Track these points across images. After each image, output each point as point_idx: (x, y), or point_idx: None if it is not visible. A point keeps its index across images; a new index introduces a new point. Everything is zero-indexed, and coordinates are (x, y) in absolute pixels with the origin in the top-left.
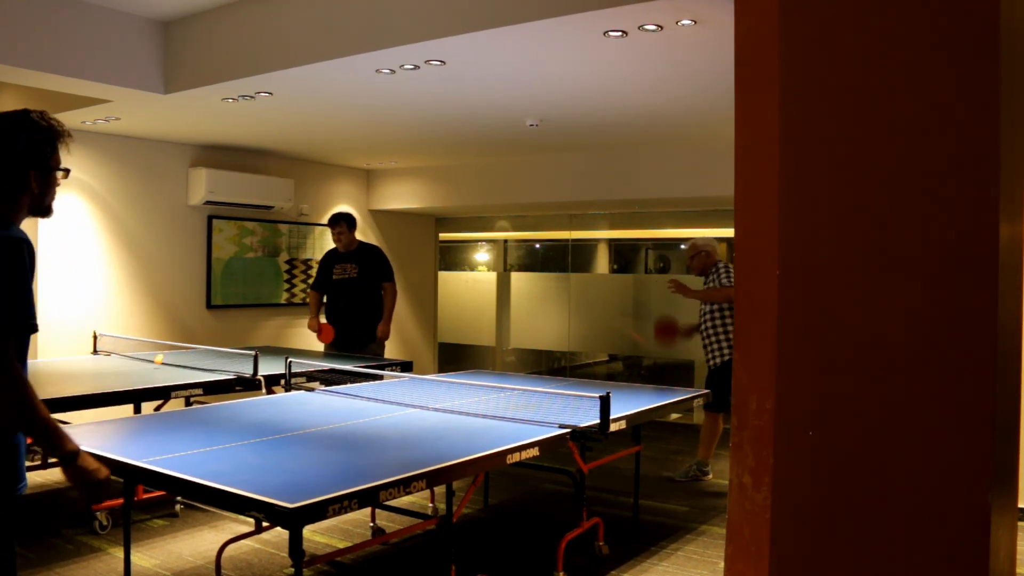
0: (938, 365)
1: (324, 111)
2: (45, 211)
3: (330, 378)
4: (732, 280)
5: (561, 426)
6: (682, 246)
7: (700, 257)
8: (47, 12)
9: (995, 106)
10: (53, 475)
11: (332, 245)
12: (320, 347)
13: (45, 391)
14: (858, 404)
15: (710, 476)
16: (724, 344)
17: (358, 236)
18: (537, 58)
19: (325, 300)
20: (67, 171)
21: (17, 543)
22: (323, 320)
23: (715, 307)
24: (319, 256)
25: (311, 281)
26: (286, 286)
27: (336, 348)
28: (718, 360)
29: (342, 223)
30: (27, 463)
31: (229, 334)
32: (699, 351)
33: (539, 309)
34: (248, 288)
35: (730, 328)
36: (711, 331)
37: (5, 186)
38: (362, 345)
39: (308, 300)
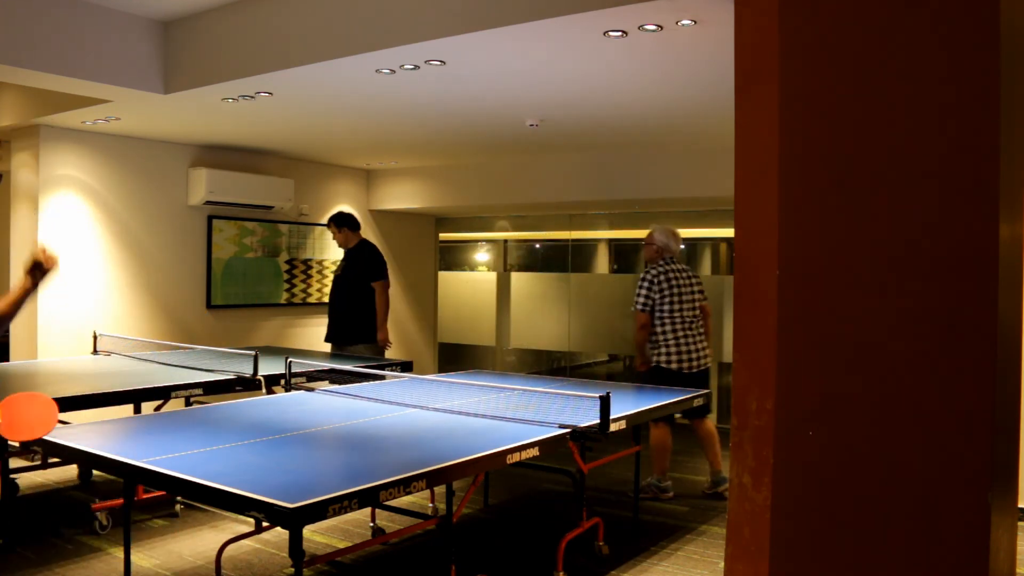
0: (938, 365)
1: (324, 111)
2: None
3: (334, 377)
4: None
5: (561, 426)
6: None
7: (649, 249)
8: (47, 12)
9: (995, 106)
10: (53, 475)
11: (332, 245)
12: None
13: (45, 391)
14: (858, 404)
15: (670, 495)
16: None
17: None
18: (537, 58)
19: None
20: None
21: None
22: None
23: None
24: (319, 256)
25: (311, 281)
26: (286, 286)
27: (330, 343)
28: (706, 363)
29: (331, 224)
30: (26, 463)
31: (229, 334)
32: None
33: (539, 309)
34: (248, 288)
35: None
36: (701, 333)
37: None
38: (349, 342)
39: None
